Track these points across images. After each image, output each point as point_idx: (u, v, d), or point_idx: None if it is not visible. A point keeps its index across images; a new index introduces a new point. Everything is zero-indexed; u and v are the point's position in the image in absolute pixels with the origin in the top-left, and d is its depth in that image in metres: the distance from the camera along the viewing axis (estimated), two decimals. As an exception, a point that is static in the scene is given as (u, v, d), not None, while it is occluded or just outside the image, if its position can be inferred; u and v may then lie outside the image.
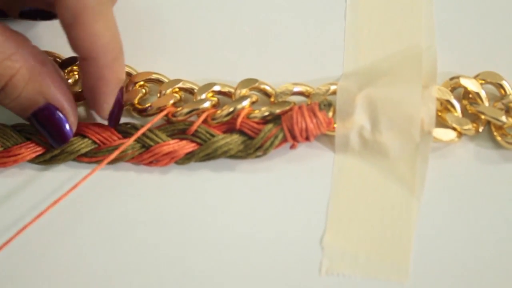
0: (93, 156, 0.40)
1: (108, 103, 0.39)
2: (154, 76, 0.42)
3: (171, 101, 0.41)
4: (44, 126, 0.39)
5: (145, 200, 0.40)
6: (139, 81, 0.42)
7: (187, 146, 0.40)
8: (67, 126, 0.39)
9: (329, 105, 0.40)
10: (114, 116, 0.40)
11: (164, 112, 0.41)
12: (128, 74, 0.42)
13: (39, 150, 0.40)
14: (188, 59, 0.43)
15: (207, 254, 0.39)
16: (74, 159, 0.40)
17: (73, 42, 0.37)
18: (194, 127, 0.40)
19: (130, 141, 0.40)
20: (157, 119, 0.41)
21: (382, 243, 0.39)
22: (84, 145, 0.40)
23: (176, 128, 0.41)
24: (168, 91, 0.41)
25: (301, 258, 0.39)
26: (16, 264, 0.39)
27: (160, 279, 0.39)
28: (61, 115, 0.38)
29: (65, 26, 0.37)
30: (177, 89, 0.42)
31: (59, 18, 0.37)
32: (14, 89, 0.38)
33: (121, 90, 0.39)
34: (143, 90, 0.42)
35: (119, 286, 0.39)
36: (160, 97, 0.41)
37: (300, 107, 0.40)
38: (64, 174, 0.41)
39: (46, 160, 0.40)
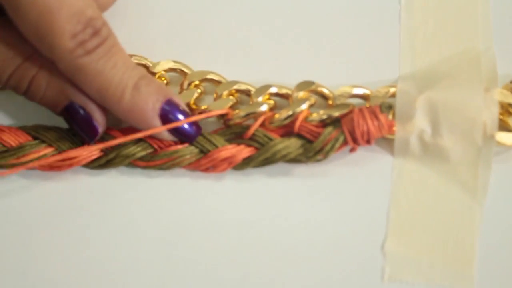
0: (150, 161, 0.39)
1: (164, 134, 0.38)
2: (210, 76, 0.40)
3: (229, 104, 0.40)
4: (74, 122, 0.38)
5: (201, 205, 0.39)
6: (194, 81, 0.40)
7: (244, 151, 0.39)
8: (94, 121, 0.38)
9: (389, 107, 0.39)
10: (185, 133, 0.38)
11: (223, 111, 0.39)
12: (183, 73, 0.41)
13: (94, 154, 0.39)
14: (242, 60, 0.42)
15: (266, 260, 0.38)
16: (129, 164, 0.39)
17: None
18: (251, 130, 0.39)
19: (162, 128, 0.37)
20: (211, 115, 0.39)
21: (445, 249, 0.38)
22: (140, 148, 0.38)
23: (232, 131, 0.39)
24: (225, 93, 0.40)
25: (362, 265, 0.38)
26: (58, 266, 0.39)
27: (217, 284, 0.38)
28: (86, 112, 0.38)
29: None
30: (233, 91, 0.40)
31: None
32: (38, 89, 0.38)
33: (162, 110, 0.38)
34: (198, 90, 0.40)
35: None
36: (216, 99, 0.40)
37: (360, 110, 0.39)
38: (117, 180, 0.40)
39: (101, 164, 0.39)
